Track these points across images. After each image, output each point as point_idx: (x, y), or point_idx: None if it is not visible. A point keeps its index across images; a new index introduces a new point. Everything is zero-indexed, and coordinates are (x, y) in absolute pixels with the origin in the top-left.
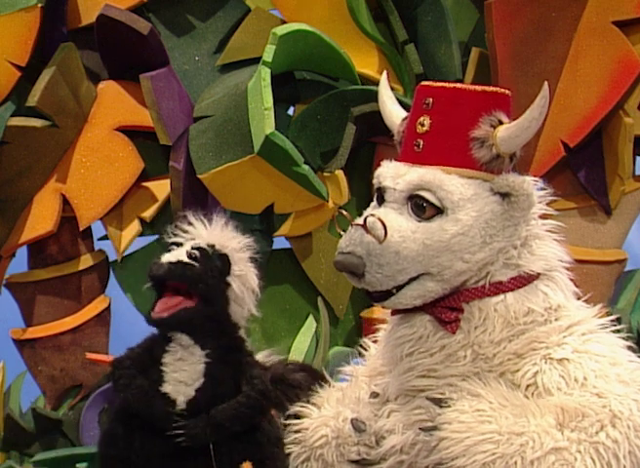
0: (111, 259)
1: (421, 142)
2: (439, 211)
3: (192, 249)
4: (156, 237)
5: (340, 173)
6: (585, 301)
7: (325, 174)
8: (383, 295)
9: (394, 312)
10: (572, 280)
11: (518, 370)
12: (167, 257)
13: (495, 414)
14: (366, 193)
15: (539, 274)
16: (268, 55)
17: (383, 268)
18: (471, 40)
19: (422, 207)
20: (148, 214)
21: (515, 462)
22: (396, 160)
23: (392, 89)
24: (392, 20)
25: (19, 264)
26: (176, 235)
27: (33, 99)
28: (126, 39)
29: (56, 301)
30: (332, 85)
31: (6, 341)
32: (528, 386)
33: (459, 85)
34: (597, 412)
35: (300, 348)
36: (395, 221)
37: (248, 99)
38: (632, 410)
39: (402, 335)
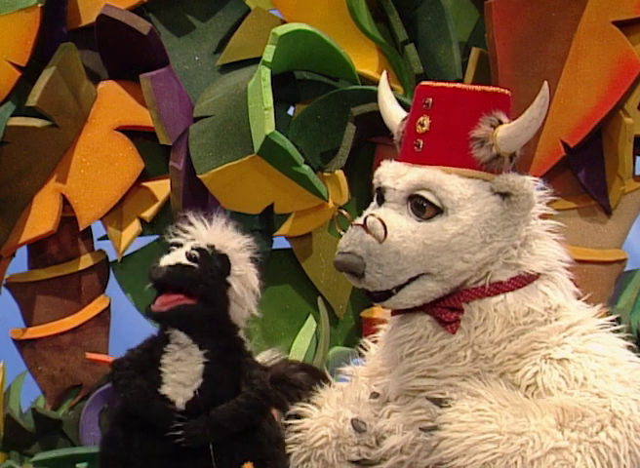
0: (111, 259)
1: (421, 142)
2: (439, 210)
3: (192, 249)
4: (156, 237)
5: (339, 173)
6: (585, 301)
7: (325, 174)
8: (383, 295)
9: (394, 312)
10: (572, 280)
11: (518, 371)
12: (166, 260)
13: (495, 414)
14: (366, 193)
15: (538, 274)
16: (268, 55)
17: (383, 268)
18: (471, 40)
19: (422, 207)
20: (148, 214)
21: (515, 462)
22: (396, 160)
23: (392, 89)
24: (392, 20)
25: (19, 264)
26: (176, 235)
27: (33, 99)
28: (126, 39)
29: (56, 301)
30: (332, 85)
31: (6, 341)
32: (528, 386)
33: (458, 85)
34: (597, 412)
35: (300, 348)
36: (395, 221)
37: (248, 99)
38: (632, 410)
39: (402, 336)
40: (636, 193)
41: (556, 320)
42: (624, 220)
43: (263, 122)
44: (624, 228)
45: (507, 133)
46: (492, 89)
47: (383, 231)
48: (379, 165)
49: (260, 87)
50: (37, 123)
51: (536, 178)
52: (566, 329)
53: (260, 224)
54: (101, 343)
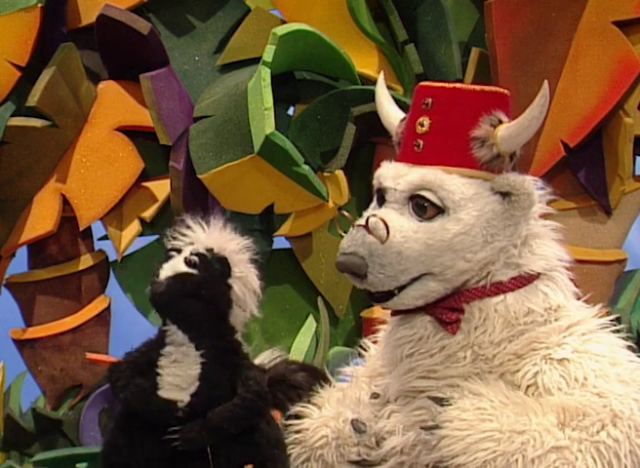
0: (111, 259)
1: (421, 143)
2: (440, 210)
3: (191, 255)
4: (156, 237)
5: (339, 173)
6: (585, 301)
7: (325, 174)
8: (385, 296)
9: (394, 313)
10: (572, 280)
11: (518, 371)
12: (165, 271)
13: (496, 413)
14: (366, 193)
15: (539, 274)
16: (268, 55)
17: (386, 268)
18: (471, 40)
19: (424, 207)
20: (148, 214)
21: (516, 460)
22: (396, 160)
23: (392, 89)
24: (392, 20)
25: (19, 264)
26: (174, 238)
27: (33, 99)
28: (126, 39)
29: (56, 301)
30: (332, 85)
31: (6, 341)
32: (528, 386)
33: (458, 85)
34: (598, 412)
35: (300, 348)
36: (397, 222)
37: (248, 99)
38: (633, 410)
39: (402, 336)
40: (636, 193)
41: (556, 320)
42: (624, 220)
43: (263, 122)
44: (624, 228)
45: (508, 132)
46: (491, 88)
47: (386, 231)
48: (379, 165)
49: (260, 87)
50: (37, 123)
51: (535, 178)
52: (566, 329)
53: (260, 224)
54: (101, 343)
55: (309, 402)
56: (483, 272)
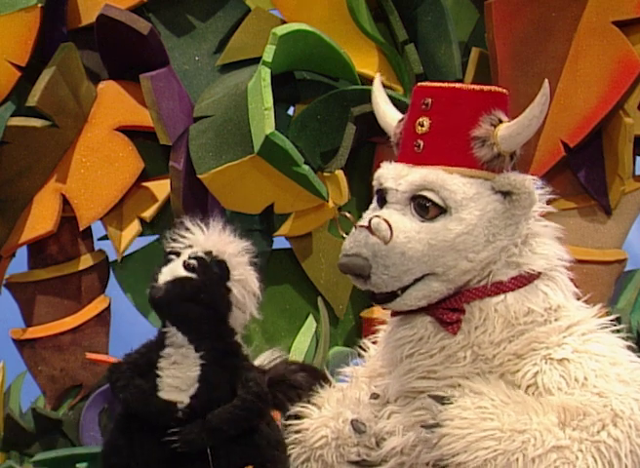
0: (111, 259)
1: (422, 143)
2: (442, 210)
3: (189, 259)
4: (156, 237)
5: (339, 173)
6: (585, 301)
7: (325, 174)
8: (388, 297)
9: (394, 314)
10: (572, 280)
11: (518, 371)
12: (164, 276)
13: (497, 412)
14: (366, 193)
15: (539, 273)
16: (268, 55)
17: (389, 269)
18: (471, 40)
19: (426, 207)
20: (148, 214)
21: (517, 459)
22: (395, 161)
23: (392, 89)
24: (392, 20)
25: (19, 264)
26: (174, 240)
27: (33, 99)
28: (126, 39)
29: (56, 301)
30: (332, 85)
31: (6, 341)
32: (528, 386)
33: (457, 85)
34: (598, 412)
35: (300, 348)
36: (400, 222)
37: (248, 99)
38: (633, 410)
39: (402, 336)
40: (636, 193)
41: (556, 320)
42: (624, 220)
43: (263, 122)
44: (624, 228)
45: (508, 131)
46: (490, 88)
47: (389, 232)
48: (378, 165)
49: (260, 87)
50: (37, 123)
51: (535, 178)
52: (566, 329)
53: (260, 224)
54: (101, 343)
55: (309, 402)
56: (485, 272)
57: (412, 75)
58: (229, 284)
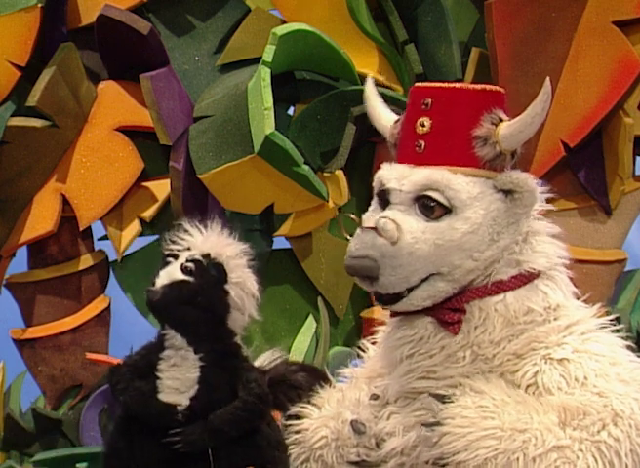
0: (111, 259)
1: (423, 143)
2: (447, 210)
3: (187, 262)
4: (156, 237)
5: (339, 173)
6: (585, 301)
7: (325, 174)
8: (394, 298)
9: (393, 314)
10: (572, 280)
11: (518, 371)
12: (161, 279)
13: (497, 411)
14: (366, 193)
15: (539, 272)
16: (268, 55)
17: (397, 270)
18: (471, 40)
19: (430, 207)
20: (148, 214)
21: (517, 458)
22: (395, 162)
23: (392, 89)
24: (392, 20)
25: (19, 264)
26: (173, 242)
27: (33, 99)
28: (126, 39)
29: (56, 301)
30: (332, 85)
31: (6, 341)
32: (528, 386)
33: (456, 84)
34: (599, 411)
35: (300, 348)
36: (406, 222)
37: (248, 99)
38: (634, 409)
39: (402, 337)
40: (636, 193)
41: (555, 319)
42: (624, 220)
43: (263, 122)
44: (624, 228)
45: (510, 129)
46: (489, 87)
47: (397, 232)
48: (379, 165)
49: (260, 87)
50: (37, 123)
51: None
52: (565, 328)
53: (260, 224)
54: (101, 343)
55: (309, 402)
56: (488, 271)
57: (412, 75)
58: (227, 286)
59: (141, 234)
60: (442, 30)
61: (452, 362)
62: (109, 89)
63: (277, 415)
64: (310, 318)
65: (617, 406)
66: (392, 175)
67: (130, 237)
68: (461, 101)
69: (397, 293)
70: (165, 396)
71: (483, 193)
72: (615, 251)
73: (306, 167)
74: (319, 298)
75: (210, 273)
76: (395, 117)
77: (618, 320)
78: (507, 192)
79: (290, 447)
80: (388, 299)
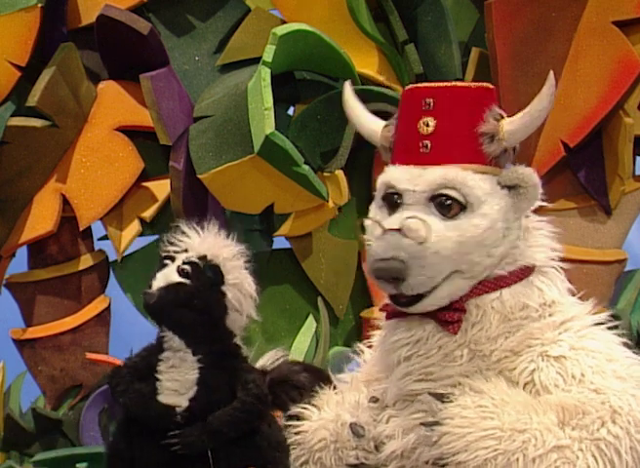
0: (111, 259)
1: (429, 143)
2: (462, 208)
3: (183, 264)
4: (156, 237)
5: (339, 173)
6: (584, 301)
7: (325, 174)
8: (414, 299)
9: (389, 317)
10: (572, 280)
11: (515, 369)
12: (157, 281)
13: (497, 411)
14: (366, 193)
15: (534, 267)
16: (268, 55)
17: (425, 270)
18: (471, 40)
19: (447, 205)
20: (148, 214)
21: (517, 459)
22: (394, 164)
23: (392, 89)
24: (392, 20)
25: (19, 264)
26: (171, 243)
27: (33, 99)
28: (126, 39)
29: (56, 301)
30: (332, 85)
31: (6, 341)
32: (526, 384)
33: (455, 83)
34: (597, 409)
35: (300, 348)
36: (430, 222)
37: (248, 99)
38: (632, 406)
39: (399, 339)
40: (636, 193)
41: (550, 316)
42: (624, 220)
43: (263, 122)
44: (624, 228)
45: (516, 125)
46: (485, 84)
47: (427, 232)
48: (379, 165)
49: (260, 87)
50: (37, 123)
51: None
52: (560, 325)
53: (260, 224)
54: (101, 343)
55: (310, 403)
56: (497, 267)
57: (412, 75)
58: (224, 288)
59: (141, 234)
60: (442, 30)
61: (449, 361)
62: (109, 89)
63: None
64: (310, 318)
65: (614, 402)
66: (403, 176)
67: (130, 237)
68: (464, 99)
69: (419, 294)
70: (164, 397)
71: (493, 189)
72: (615, 251)
73: (306, 167)
74: (319, 298)
75: (206, 275)
76: (382, 122)
77: (614, 317)
78: (511, 188)
79: (290, 447)
80: (409, 301)
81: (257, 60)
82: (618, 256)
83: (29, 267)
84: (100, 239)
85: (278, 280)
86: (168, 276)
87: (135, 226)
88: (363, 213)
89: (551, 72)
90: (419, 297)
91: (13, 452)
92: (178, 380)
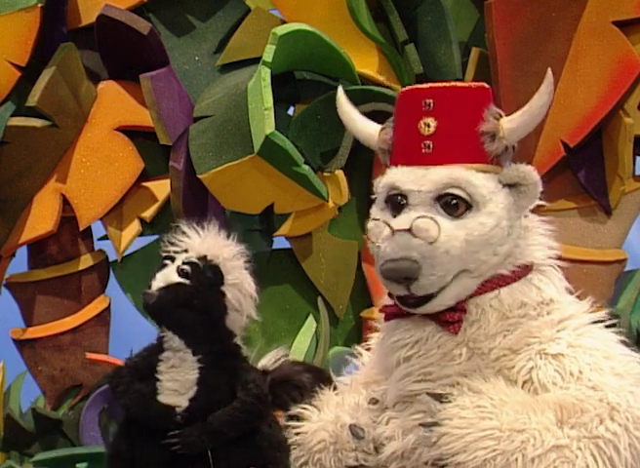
0: (111, 259)
1: (431, 143)
2: (468, 206)
3: (183, 264)
4: (156, 237)
5: (339, 173)
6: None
7: (325, 174)
8: (423, 300)
9: (387, 318)
10: (571, 280)
11: (513, 367)
12: (157, 282)
13: (495, 411)
14: (366, 193)
15: (533, 265)
16: (268, 55)
17: (436, 270)
18: (471, 40)
19: (453, 204)
20: (148, 214)
21: (516, 459)
22: (395, 165)
23: (392, 89)
24: (392, 20)
25: (19, 264)
26: (172, 244)
27: (33, 99)
28: (126, 39)
29: (56, 301)
30: (332, 85)
31: (6, 341)
32: (524, 382)
33: (456, 83)
34: (595, 407)
35: (300, 348)
36: (441, 221)
37: (248, 99)
38: (629, 402)
39: (399, 340)
40: (636, 193)
41: (548, 314)
42: (624, 220)
43: (263, 122)
44: (624, 228)
45: (516, 123)
46: (481, 83)
47: (438, 231)
48: (379, 166)
49: (260, 87)
50: (37, 123)
51: None
52: (558, 323)
53: (260, 224)
54: (101, 343)
55: (310, 403)
56: (501, 265)
57: (412, 75)
58: (224, 288)
59: (141, 234)
60: (442, 30)
61: (448, 360)
62: (109, 89)
63: (280, 415)
64: (310, 318)
65: (612, 399)
66: (407, 177)
67: (130, 237)
68: (464, 99)
69: (428, 295)
70: (165, 398)
71: (496, 188)
72: (615, 251)
73: (306, 167)
74: (319, 298)
75: (206, 275)
76: (377, 125)
77: (612, 315)
78: (512, 186)
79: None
80: (417, 302)
81: (257, 60)
82: (618, 256)
83: (29, 267)
84: (100, 239)
85: (278, 280)
86: (168, 276)
87: (135, 226)
88: (363, 213)
89: (549, 69)
90: (427, 298)
91: (13, 452)
92: (178, 380)
